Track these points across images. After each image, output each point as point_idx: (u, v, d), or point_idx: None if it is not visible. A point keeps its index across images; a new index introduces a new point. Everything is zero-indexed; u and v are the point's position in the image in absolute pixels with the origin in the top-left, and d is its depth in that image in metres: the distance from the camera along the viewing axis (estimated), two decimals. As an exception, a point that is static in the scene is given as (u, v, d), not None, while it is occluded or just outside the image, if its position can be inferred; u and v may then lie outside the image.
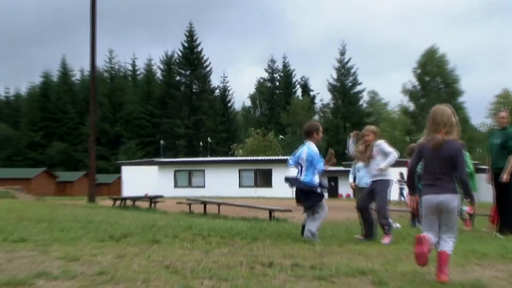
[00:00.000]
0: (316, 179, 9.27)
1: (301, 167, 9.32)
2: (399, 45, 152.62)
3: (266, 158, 53.49)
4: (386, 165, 9.31)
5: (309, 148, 9.32)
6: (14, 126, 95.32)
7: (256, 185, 49.62)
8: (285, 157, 46.58)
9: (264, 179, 49.80)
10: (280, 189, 43.77)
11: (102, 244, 7.94)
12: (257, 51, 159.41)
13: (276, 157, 53.59)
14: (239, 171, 50.98)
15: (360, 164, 11.35)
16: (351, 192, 38.02)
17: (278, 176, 46.95)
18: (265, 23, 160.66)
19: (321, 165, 9.21)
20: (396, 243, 9.14)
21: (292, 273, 5.96)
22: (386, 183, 9.39)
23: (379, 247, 8.56)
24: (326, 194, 10.34)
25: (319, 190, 9.31)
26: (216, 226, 11.14)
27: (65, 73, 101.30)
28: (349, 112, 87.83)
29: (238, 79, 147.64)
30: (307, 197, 9.30)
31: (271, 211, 18.68)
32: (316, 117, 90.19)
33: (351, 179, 12.46)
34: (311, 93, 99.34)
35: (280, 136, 74.57)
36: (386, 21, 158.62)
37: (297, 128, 77.59)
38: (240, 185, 50.02)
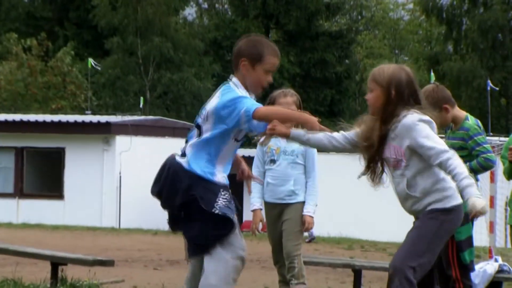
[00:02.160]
0: (218, 172, 4.35)
1: (198, 131, 4.39)
2: None
3: (48, 118, 28.00)
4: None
5: (226, 91, 4.36)
6: None
7: (20, 191, 27.50)
8: (101, 117, 27.82)
9: (40, 174, 28.77)
10: (88, 200, 25.73)
11: None
12: None
13: (79, 117, 28.26)
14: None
15: (280, 143, 6.37)
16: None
17: (82, 165, 26.33)
18: None
19: (247, 119, 4.21)
20: None
21: None
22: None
23: None
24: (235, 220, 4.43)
25: (220, 203, 4.29)
26: None
27: None
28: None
29: None
30: (190, 218, 4.38)
31: (56, 266, 10.28)
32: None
33: (255, 193, 6.41)
34: None
35: (92, 61, 33.80)
36: None
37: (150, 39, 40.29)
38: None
